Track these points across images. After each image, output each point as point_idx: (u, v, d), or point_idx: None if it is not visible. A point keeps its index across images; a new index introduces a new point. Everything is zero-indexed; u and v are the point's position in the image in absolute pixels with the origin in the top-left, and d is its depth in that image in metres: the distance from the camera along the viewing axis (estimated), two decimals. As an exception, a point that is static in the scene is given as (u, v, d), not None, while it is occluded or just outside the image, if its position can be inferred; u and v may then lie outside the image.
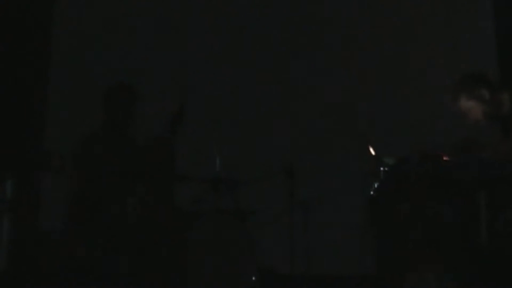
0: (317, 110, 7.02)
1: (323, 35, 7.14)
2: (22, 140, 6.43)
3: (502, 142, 4.74)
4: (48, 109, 6.90)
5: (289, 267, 5.79)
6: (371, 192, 4.72)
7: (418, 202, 4.53)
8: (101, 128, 5.40)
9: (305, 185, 5.97)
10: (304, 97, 7.07)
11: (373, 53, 7.07)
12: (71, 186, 5.28)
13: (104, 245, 5.03)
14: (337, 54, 7.09)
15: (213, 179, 5.65)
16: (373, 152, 4.84)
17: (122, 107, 5.36)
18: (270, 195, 6.25)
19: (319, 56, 7.12)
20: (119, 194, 5.15)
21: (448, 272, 4.45)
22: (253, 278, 5.35)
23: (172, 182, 5.44)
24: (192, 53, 7.15)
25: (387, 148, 4.94)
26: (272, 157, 6.56)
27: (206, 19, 7.22)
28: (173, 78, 6.99)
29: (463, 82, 4.92)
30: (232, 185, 5.66)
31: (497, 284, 4.36)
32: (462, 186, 4.53)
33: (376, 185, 4.70)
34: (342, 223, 6.52)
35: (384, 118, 6.77)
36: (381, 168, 4.70)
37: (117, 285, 4.90)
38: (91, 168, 5.23)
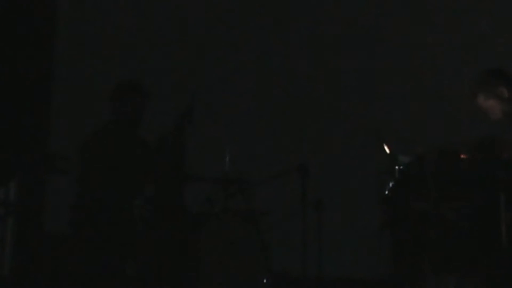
0: (331, 107, 7.01)
1: (339, 32, 7.16)
2: (26, 141, 6.42)
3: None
4: (52, 109, 6.89)
5: (301, 269, 5.72)
6: (386, 192, 4.67)
7: (435, 202, 4.48)
8: (108, 127, 5.39)
9: (319, 184, 5.91)
10: (318, 94, 7.05)
11: (388, 50, 7.05)
12: (76, 187, 5.28)
13: (110, 248, 5.02)
14: (352, 51, 7.09)
15: (224, 178, 5.60)
16: (388, 150, 4.77)
17: (131, 106, 5.35)
18: (282, 195, 6.23)
19: (334, 53, 7.12)
20: (127, 196, 5.14)
21: (467, 275, 4.42)
22: (265, 281, 5.32)
23: (182, 182, 5.41)
24: (202, 49, 7.15)
25: (402, 146, 4.89)
26: (285, 155, 6.55)
27: (215, 16, 7.21)
28: (183, 75, 6.98)
29: (481, 79, 4.90)
30: (243, 185, 5.60)
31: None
32: (480, 186, 4.50)
33: (391, 184, 4.65)
34: (356, 224, 6.52)
35: (399, 115, 6.74)
36: (396, 167, 4.65)
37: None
38: (98, 169, 5.22)
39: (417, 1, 7.14)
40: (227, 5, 7.22)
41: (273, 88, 7.11)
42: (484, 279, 4.40)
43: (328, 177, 6.60)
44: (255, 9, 7.21)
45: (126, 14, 7.20)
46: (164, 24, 7.22)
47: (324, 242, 5.79)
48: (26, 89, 6.62)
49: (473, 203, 4.50)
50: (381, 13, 7.12)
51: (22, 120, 6.50)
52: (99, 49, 7.06)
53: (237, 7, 7.21)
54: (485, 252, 4.43)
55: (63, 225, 5.24)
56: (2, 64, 6.50)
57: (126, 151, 5.29)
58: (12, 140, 6.34)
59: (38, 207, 6.44)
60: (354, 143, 6.77)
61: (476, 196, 4.51)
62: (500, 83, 4.83)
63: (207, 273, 5.26)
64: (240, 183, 5.62)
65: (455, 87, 6.47)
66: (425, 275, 4.46)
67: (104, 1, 7.22)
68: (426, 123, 6.67)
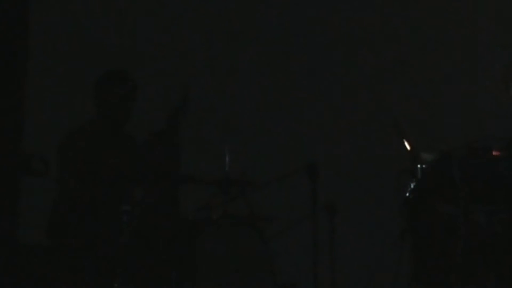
0: (343, 99, 7.02)
1: (353, 24, 7.16)
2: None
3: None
4: (27, 105, 6.79)
5: (312, 281, 5.69)
6: (407, 194, 4.61)
7: (464, 205, 4.42)
8: (91, 123, 5.36)
9: (330, 186, 5.93)
10: (328, 86, 7.05)
11: (410, 41, 7.07)
12: (55, 192, 5.25)
13: (94, 260, 4.98)
14: (365, 42, 7.10)
15: (224, 180, 5.58)
16: (408, 147, 4.72)
17: (118, 99, 5.31)
18: (290, 198, 6.26)
19: (347, 43, 7.13)
20: (112, 201, 5.10)
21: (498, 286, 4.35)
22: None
23: (176, 185, 5.36)
24: (200, 39, 7.12)
25: (425, 142, 4.87)
26: (292, 154, 6.56)
27: (215, 6, 7.18)
28: (177, 65, 6.94)
29: (513, 68, 4.87)
30: (245, 187, 5.59)
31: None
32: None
33: (412, 185, 4.60)
34: (373, 230, 6.56)
35: (422, 108, 6.75)
36: (419, 166, 4.59)
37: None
38: (79, 171, 5.18)
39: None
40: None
41: (279, 80, 7.09)
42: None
43: (341, 177, 6.64)
44: (259, 3, 7.21)
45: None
46: (157, 10, 7.16)
47: (337, 250, 5.79)
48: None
49: (507, 206, 4.44)
50: (401, 5, 7.14)
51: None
52: (82, 38, 7.00)
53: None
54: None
55: (39, 235, 5.22)
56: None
57: (112, 150, 5.27)
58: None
59: (11, 214, 6.45)
60: (370, 139, 6.79)
61: (510, 198, 4.42)
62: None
63: (205, 286, 5.24)
64: (242, 186, 5.60)
65: (485, 78, 6.50)
66: (450, 287, 4.39)
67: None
68: (453, 116, 6.70)
